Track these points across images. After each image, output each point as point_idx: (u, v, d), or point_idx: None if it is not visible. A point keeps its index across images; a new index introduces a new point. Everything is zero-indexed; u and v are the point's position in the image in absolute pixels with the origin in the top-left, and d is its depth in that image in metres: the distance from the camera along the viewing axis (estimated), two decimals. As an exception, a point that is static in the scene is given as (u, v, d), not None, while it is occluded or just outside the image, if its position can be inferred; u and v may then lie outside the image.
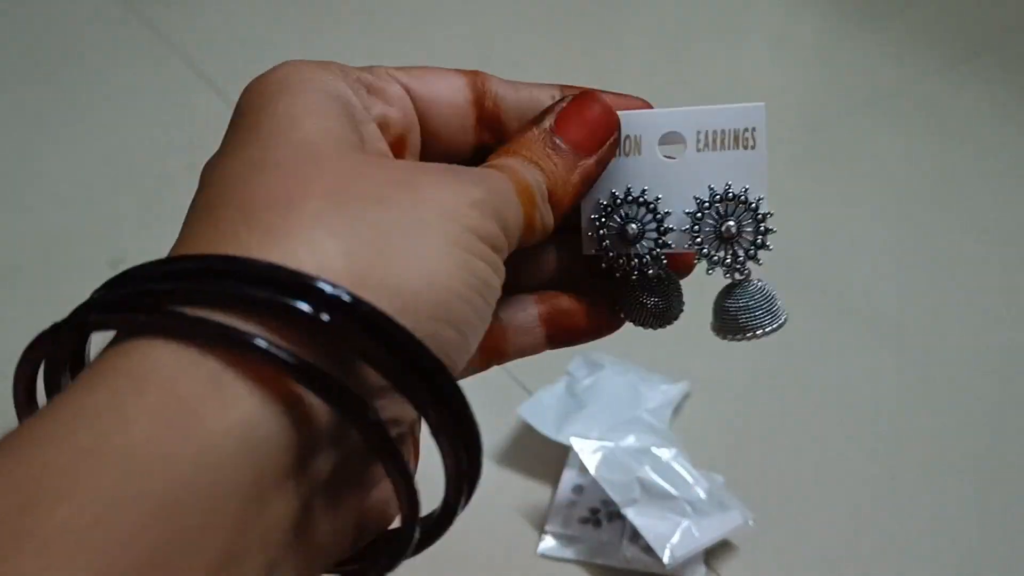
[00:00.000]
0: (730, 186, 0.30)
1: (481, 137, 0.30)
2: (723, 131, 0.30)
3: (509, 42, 0.91)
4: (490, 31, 0.93)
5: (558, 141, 0.29)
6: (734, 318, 0.30)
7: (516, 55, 0.88)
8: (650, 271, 0.30)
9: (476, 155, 0.30)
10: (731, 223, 0.30)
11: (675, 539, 0.51)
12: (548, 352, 0.31)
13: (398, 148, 0.29)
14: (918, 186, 0.77)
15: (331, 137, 0.25)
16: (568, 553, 0.54)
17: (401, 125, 0.28)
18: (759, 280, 0.30)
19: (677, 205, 0.30)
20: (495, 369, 0.31)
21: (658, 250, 0.30)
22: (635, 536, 0.52)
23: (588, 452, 0.54)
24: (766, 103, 0.29)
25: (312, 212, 0.22)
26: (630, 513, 0.52)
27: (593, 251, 0.31)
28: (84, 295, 0.22)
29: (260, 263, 0.21)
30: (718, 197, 0.30)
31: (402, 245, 0.23)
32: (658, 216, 0.30)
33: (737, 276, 0.30)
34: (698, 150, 0.30)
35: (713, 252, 0.30)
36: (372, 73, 0.28)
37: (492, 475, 0.57)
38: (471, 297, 0.24)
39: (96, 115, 0.83)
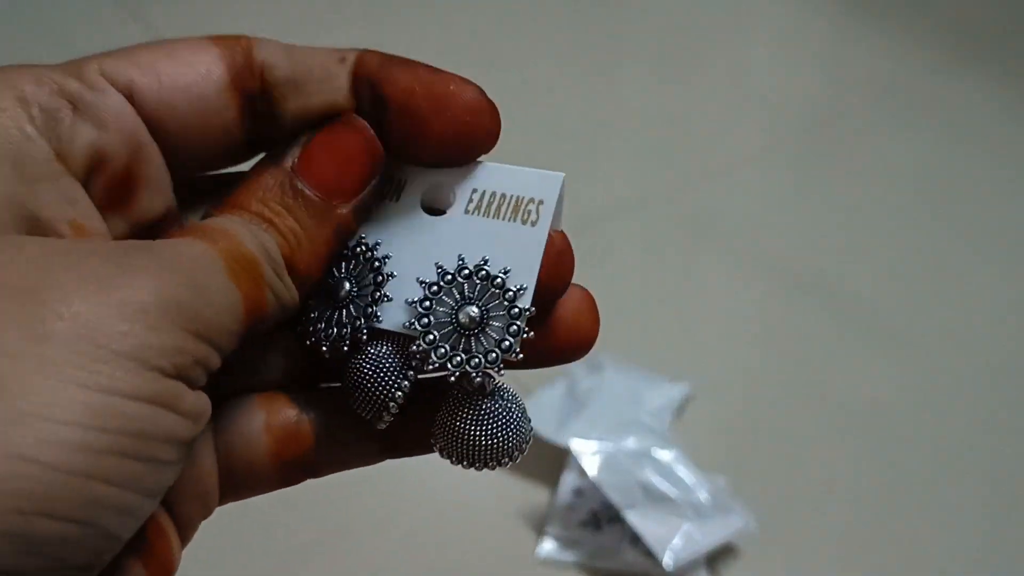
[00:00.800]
0: (486, 262, 0.23)
1: (256, 131, 0.23)
2: (504, 195, 0.23)
3: (510, 40, 0.90)
4: (490, 28, 0.92)
5: (301, 186, 0.21)
6: (473, 441, 0.22)
7: (517, 53, 0.88)
8: (345, 346, 0.23)
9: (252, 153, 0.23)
10: (473, 309, 0.22)
11: (676, 542, 0.51)
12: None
13: (124, 189, 0.21)
14: (921, 186, 0.76)
15: None
16: (568, 556, 0.53)
17: (123, 154, 0.21)
18: (506, 387, 0.23)
19: (413, 271, 0.23)
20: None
21: (362, 320, 0.23)
22: (636, 539, 0.52)
23: (588, 454, 0.53)
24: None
25: None
26: (631, 516, 0.51)
27: None
28: None
29: None
30: (467, 272, 0.23)
31: None
32: (379, 279, 0.23)
33: (472, 384, 0.22)
34: (467, 211, 0.23)
35: (440, 343, 0.22)
36: (82, 78, 0.21)
37: (491, 478, 0.56)
38: (108, 466, 0.16)
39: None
